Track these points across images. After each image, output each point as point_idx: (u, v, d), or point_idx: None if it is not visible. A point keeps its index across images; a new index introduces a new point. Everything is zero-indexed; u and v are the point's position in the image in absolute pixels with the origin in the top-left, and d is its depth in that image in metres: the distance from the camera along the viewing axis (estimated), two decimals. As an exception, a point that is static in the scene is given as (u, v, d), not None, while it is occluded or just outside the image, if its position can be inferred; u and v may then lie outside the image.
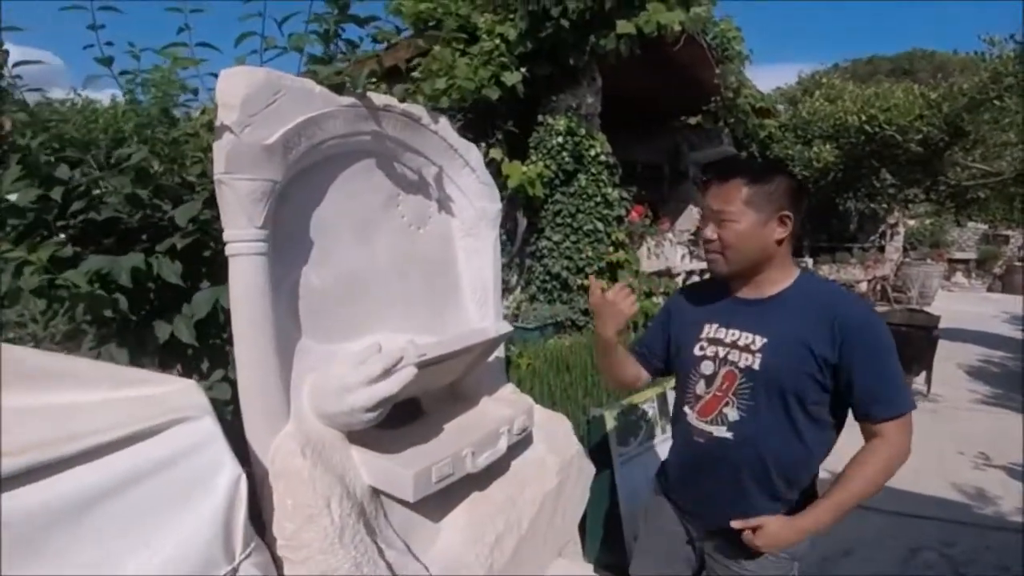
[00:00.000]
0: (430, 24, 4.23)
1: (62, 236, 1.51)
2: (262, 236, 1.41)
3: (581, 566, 2.07)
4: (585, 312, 4.74)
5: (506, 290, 5.32)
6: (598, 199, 4.86)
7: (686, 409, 1.44)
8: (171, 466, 1.15)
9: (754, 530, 1.30)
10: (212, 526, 1.14)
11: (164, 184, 1.64)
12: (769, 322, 1.31)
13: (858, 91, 8.61)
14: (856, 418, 1.30)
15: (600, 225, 4.90)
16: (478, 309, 2.27)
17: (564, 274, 4.98)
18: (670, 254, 6.91)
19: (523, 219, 4.96)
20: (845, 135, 8.06)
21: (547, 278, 5.06)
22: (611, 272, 5.10)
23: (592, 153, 4.73)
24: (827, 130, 8.29)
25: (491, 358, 2.29)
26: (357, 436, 1.60)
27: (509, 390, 2.34)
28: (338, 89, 1.68)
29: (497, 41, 3.91)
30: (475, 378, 2.16)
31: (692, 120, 6.23)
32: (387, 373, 1.39)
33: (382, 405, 1.39)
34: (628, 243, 5.65)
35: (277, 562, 1.29)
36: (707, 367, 1.39)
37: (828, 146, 8.46)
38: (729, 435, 1.34)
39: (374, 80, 4.67)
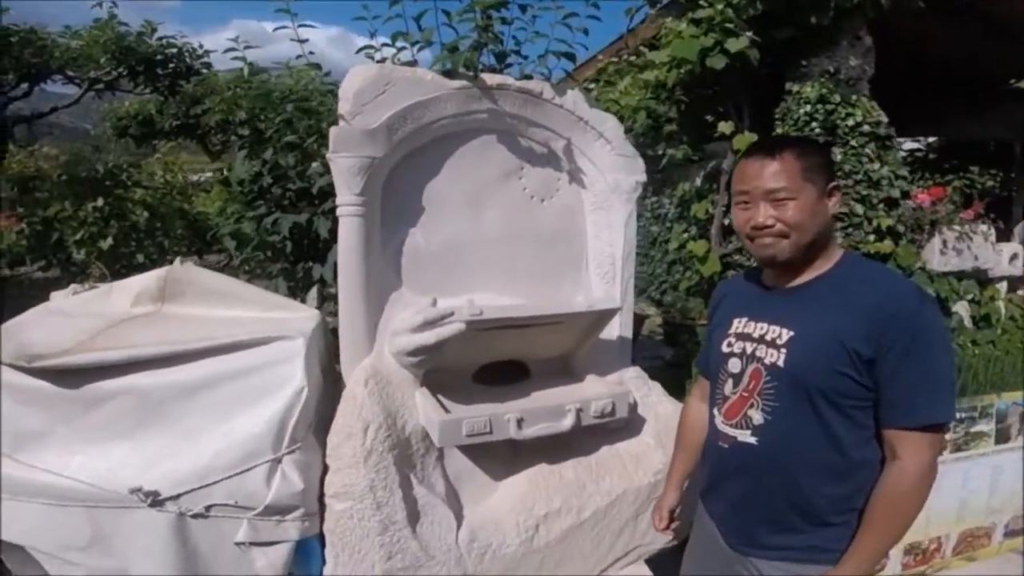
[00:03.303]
0: (661, -1, 4.06)
1: (259, 200, 2.07)
2: (360, 202, 1.73)
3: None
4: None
5: (742, 275, 4.91)
6: (858, 176, 4.03)
7: (714, 411, 1.31)
8: (257, 371, 1.54)
9: None
10: (269, 423, 1.50)
11: (326, 161, 2.09)
12: (800, 313, 1.17)
13: None
14: (879, 427, 1.11)
15: (858, 208, 4.05)
16: (603, 284, 2.24)
17: (803, 263, 4.32)
18: (983, 252, 5.18)
19: (759, 199, 4.47)
20: None
21: (785, 266, 4.46)
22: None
23: (850, 123, 3.94)
24: None
25: (614, 337, 2.25)
26: (441, 382, 1.82)
27: (631, 374, 2.26)
28: (449, 74, 1.88)
29: (720, 6, 3.56)
30: (589, 354, 2.16)
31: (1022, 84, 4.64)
32: (428, 325, 1.57)
33: (421, 352, 1.58)
34: (908, 232, 4.55)
35: (326, 467, 1.61)
36: (734, 365, 1.25)
37: None
38: (753, 440, 1.20)
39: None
